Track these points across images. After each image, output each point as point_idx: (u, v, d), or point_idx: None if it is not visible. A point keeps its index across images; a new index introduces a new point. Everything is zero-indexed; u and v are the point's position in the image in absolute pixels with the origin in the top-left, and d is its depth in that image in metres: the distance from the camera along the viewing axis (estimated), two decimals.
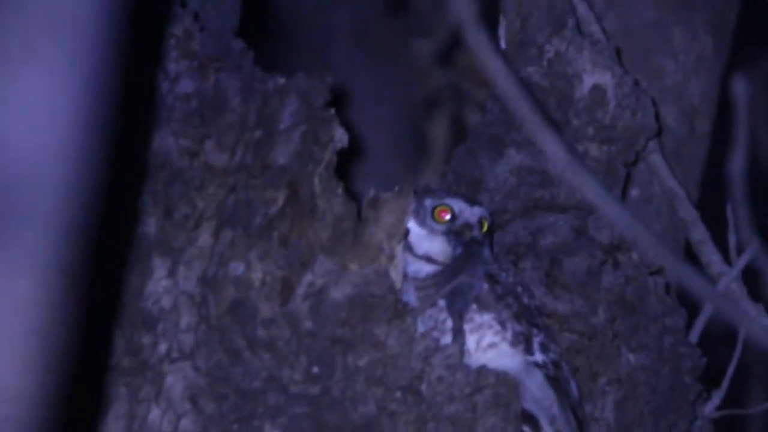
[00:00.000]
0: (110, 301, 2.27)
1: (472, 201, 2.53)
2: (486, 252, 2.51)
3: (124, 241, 2.30)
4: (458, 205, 2.51)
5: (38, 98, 1.25)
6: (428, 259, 2.48)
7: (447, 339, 2.39)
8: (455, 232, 2.49)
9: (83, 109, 1.28)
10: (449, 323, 2.41)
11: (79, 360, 1.38)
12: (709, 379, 2.68)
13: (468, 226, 2.49)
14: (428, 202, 2.51)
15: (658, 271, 2.62)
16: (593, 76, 2.67)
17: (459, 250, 2.48)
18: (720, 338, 2.77)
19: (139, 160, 2.33)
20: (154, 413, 2.27)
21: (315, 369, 2.28)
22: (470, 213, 2.50)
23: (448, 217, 2.50)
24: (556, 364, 2.44)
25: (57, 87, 1.26)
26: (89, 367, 2.21)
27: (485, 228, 2.51)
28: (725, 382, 2.72)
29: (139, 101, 2.29)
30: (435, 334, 2.39)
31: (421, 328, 2.39)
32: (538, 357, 2.43)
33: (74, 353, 1.35)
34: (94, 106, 1.29)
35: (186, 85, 2.40)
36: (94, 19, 1.28)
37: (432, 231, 2.50)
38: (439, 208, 2.50)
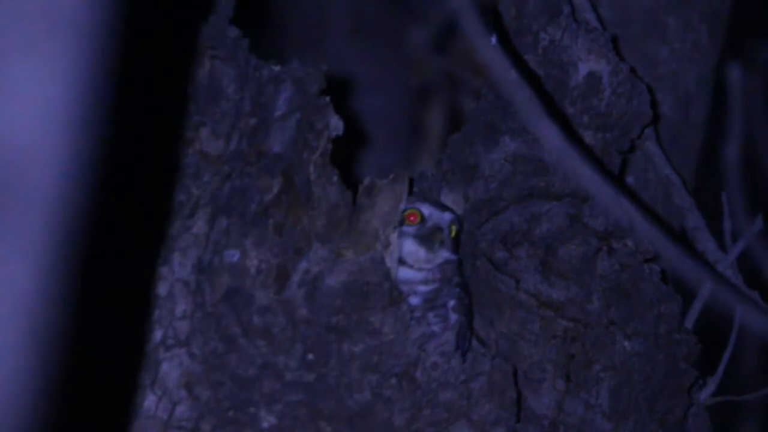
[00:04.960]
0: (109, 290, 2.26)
1: (442, 207, 2.55)
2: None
3: (124, 230, 2.30)
4: (428, 209, 2.52)
5: (35, 88, 1.25)
6: (402, 262, 2.50)
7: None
8: (424, 236, 2.51)
9: (81, 100, 1.28)
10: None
11: (77, 349, 1.38)
12: (705, 366, 2.68)
13: (438, 228, 2.51)
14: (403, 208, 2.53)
15: (653, 258, 2.62)
16: (588, 63, 2.66)
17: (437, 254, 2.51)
18: (716, 324, 2.77)
19: (138, 150, 2.33)
20: (150, 400, 2.27)
21: (310, 356, 2.28)
22: (439, 217, 2.52)
23: (417, 220, 2.51)
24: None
25: (54, 77, 1.26)
26: (89, 355, 2.22)
27: (453, 233, 2.53)
28: (720, 369, 2.72)
29: (139, 91, 2.29)
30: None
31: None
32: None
33: (72, 343, 1.35)
34: (92, 97, 1.29)
35: None
36: (93, 10, 1.28)
37: (402, 234, 2.50)
38: (407, 212, 2.51)
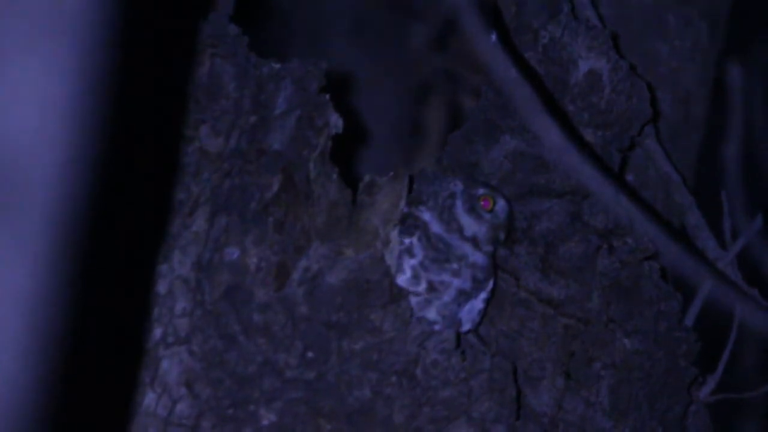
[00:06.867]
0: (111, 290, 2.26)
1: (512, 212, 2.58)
2: None
3: (124, 228, 2.30)
4: (502, 203, 2.53)
5: (35, 87, 1.25)
6: (475, 243, 2.50)
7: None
8: (489, 224, 2.51)
9: (81, 98, 1.28)
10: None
11: (77, 347, 1.38)
12: (705, 363, 2.68)
13: (501, 226, 2.52)
14: (479, 191, 2.53)
15: (653, 256, 2.63)
16: (588, 61, 2.66)
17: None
18: (716, 322, 2.77)
19: (138, 148, 2.33)
20: (149, 397, 2.27)
21: (310, 354, 2.28)
22: (505, 217, 2.53)
23: (489, 206, 2.51)
24: None
25: (54, 76, 1.26)
26: (89, 354, 2.21)
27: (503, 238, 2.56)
28: (720, 366, 2.73)
29: (139, 89, 2.29)
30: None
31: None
32: None
33: (72, 341, 1.35)
34: (92, 96, 1.29)
35: None
36: (93, 9, 1.28)
37: (479, 217, 2.50)
38: (483, 195, 2.51)
